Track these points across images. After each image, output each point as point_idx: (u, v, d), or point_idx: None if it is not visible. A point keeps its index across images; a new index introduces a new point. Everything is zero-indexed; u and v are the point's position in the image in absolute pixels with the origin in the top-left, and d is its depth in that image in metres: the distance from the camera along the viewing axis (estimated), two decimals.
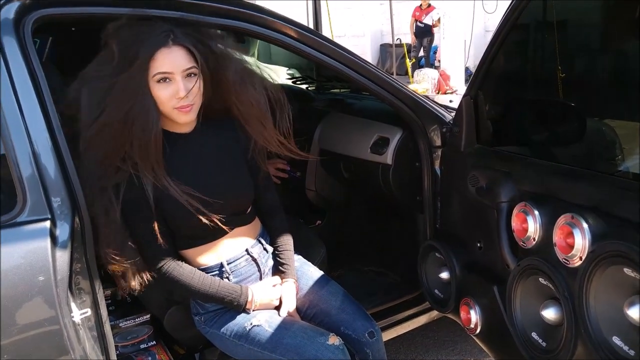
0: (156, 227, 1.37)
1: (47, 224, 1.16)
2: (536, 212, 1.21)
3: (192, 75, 1.32)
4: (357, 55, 1.73)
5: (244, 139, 1.50)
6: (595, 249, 1.01)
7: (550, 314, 1.16)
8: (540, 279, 1.19)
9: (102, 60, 1.30)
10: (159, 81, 1.29)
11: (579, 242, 1.06)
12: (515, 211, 1.30)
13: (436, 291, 1.79)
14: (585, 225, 1.06)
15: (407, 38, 10.75)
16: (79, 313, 1.24)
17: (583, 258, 1.06)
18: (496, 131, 1.63)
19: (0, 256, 1.11)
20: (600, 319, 1.00)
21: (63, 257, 1.18)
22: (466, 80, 8.22)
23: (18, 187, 1.15)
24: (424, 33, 10.20)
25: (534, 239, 1.23)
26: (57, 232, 1.18)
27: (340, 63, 1.67)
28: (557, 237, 1.13)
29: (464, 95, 1.62)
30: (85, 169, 1.26)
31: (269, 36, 1.56)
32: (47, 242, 1.15)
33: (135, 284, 1.38)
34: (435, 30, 10.06)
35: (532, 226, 1.22)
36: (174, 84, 1.30)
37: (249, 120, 1.46)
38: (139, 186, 1.35)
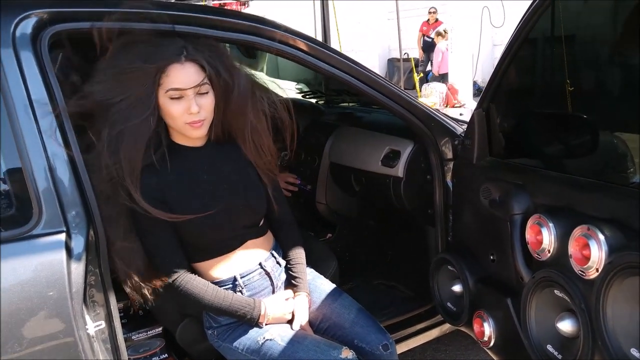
0: (169, 241, 1.39)
1: (63, 236, 1.18)
2: (551, 224, 1.21)
3: (204, 91, 1.34)
4: (368, 68, 1.74)
5: None
6: (612, 260, 1.01)
7: (566, 326, 1.15)
8: (555, 291, 1.18)
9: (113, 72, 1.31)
10: (171, 97, 1.31)
11: (596, 253, 1.06)
12: (529, 223, 1.29)
13: (449, 304, 1.78)
14: (601, 237, 1.05)
15: (415, 53, 10.82)
16: (93, 326, 1.24)
17: (600, 269, 1.05)
18: (508, 144, 1.63)
19: (17, 269, 1.13)
20: (617, 331, 0.99)
21: (78, 269, 1.19)
22: (474, 94, 8.23)
23: (34, 200, 1.17)
24: (431, 47, 10.26)
25: (549, 251, 1.22)
26: (72, 244, 1.19)
27: (352, 76, 1.68)
28: (573, 248, 1.12)
29: (476, 108, 1.63)
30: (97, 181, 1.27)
31: (282, 50, 1.58)
32: (63, 254, 1.16)
33: (147, 293, 1.38)
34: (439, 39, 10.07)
35: (547, 238, 1.22)
36: (186, 100, 1.31)
37: (245, 139, 1.47)
38: (155, 197, 1.35)
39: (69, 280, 1.16)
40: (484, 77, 10.01)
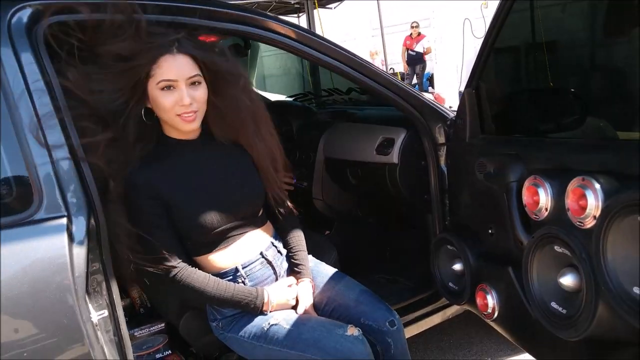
0: (166, 235, 1.39)
1: (64, 220, 1.17)
2: (547, 183, 1.23)
3: (196, 83, 1.35)
4: (361, 57, 1.77)
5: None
6: (609, 203, 1.03)
7: (568, 280, 1.17)
8: (555, 247, 1.20)
9: (106, 64, 1.32)
10: (162, 89, 1.32)
11: (592, 202, 1.08)
12: (525, 185, 1.32)
13: (450, 284, 1.79)
14: (597, 185, 1.07)
15: (400, 67, 10.98)
16: (96, 314, 1.22)
17: (597, 216, 1.07)
18: (499, 121, 1.66)
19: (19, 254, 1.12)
20: (619, 272, 1.00)
21: (80, 254, 1.18)
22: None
23: (34, 185, 1.17)
24: (415, 61, 10.43)
25: (546, 209, 1.24)
26: (74, 229, 1.18)
27: (346, 65, 1.71)
28: (570, 201, 1.15)
29: (466, 87, 1.67)
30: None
31: (277, 40, 1.60)
32: (65, 238, 1.15)
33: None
34: (426, 57, 10.28)
35: (544, 197, 1.24)
36: (178, 92, 1.32)
37: (247, 133, 1.49)
38: (151, 193, 1.37)
39: (72, 265, 1.15)
40: None
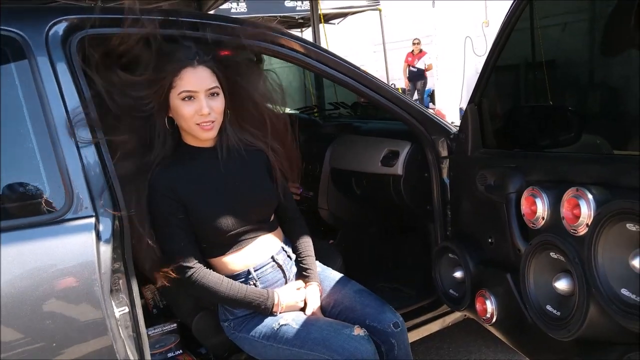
0: (183, 237, 1.46)
1: (92, 220, 1.24)
2: (544, 194, 1.32)
3: (215, 94, 1.44)
4: (369, 73, 1.87)
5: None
6: (599, 212, 1.11)
7: (562, 284, 1.24)
8: (551, 254, 1.28)
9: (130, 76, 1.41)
10: (183, 99, 1.41)
11: (585, 211, 1.16)
12: (524, 196, 1.40)
13: (451, 291, 1.86)
14: (589, 195, 1.16)
15: (401, 82, 11.11)
16: (117, 311, 1.28)
17: (589, 224, 1.15)
18: (500, 135, 1.75)
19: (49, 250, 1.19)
20: (608, 274, 1.08)
21: (106, 252, 1.25)
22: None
23: (65, 186, 1.24)
24: (417, 77, 10.55)
25: (543, 218, 1.32)
26: (101, 228, 1.25)
27: (355, 80, 1.79)
28: (565, 210, 1.23)
29: (469, 103, 1.75)
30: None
31: (290, 56, 1.69)
32: (93, 237, 1.22)
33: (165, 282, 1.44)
34: (427, 74, 10.41)
35: (541, 206, 1.32)
36: (198, 102, 1.40)
37: (265, 140, 1.60)
38: (170, 195, 1.44)
39: (99, 263, 1.22)
40: None
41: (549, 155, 1.47)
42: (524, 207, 1.40)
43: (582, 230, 1.18)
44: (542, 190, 1.32)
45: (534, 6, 1.48)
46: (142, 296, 1.93)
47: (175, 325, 1.82)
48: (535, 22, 1.54)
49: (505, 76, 1.77)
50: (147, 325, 1.81)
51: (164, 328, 1.81)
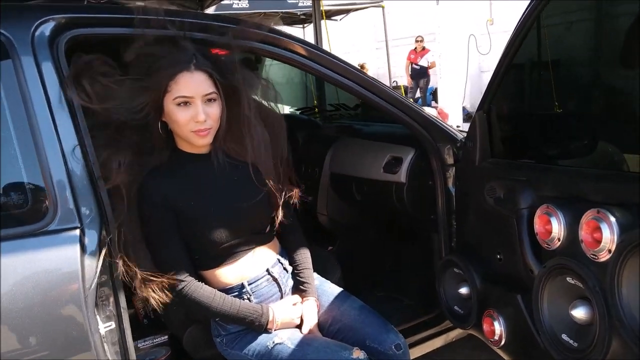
0: (174, 248, 1.39)
1: (77, 232, 1.18)
2: (559, 212, 1.23)
3: (212, 100, 1.36)
4: (370, 76, 1.79)
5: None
6: (624, 238, 1.03)
7: (580, 313, 1.17)
8: (567, 279, 1.20)
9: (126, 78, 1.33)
10: (179, 104, 1.33)
11: (607, 235, 1.08)
12: (537, 214, 1.32)
13: (456, 307, 1.78)
14: (612, 218, 1.08)
15: (403, 80, 11.03)
16: (103, 326, 1.23)
17: (612, 250, 1.07)
18: (510, 145, 1.67)
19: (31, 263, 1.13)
20: (633, 306, 1.01)
21: (91, 266, 1.19)
22: (463, 119, 8.38)
23: (50, 196, 1.18)
24: (419, 75, 10.47)
25: (559, 239, 1.24)
26: (86, 240, 1.20)
27: (355, 83, 1.72)
28: (584, 233, 1.15)
29: (477, 110, 1.67)
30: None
31: (287, 57, 1.61)
32: (77, 250, 1.17)
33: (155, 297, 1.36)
34: (430, 71, 10.33)
35: (556, 227, 1.24)
36: (194, 108, 1.33)
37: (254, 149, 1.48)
38: (163, 203, 1.37)
39: (83, 277, 1.16)
40: (472, 102, 10.21)
41: (563, 169, 1.39)
42: (538, 226, 1.32)
43: (604, 257, 1.10)
44: (558, 209, 1.24)
45: (554, 5, 1.38)
46: (132, 306, 1.87)
47: (166, 337, 1.77)
48: (557, 20, 1.44)
49: (518, 82, 1.69)
50: (138, 336, 1.77)
51: (155, 340, 1.75)
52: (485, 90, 1.63)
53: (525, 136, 1.63)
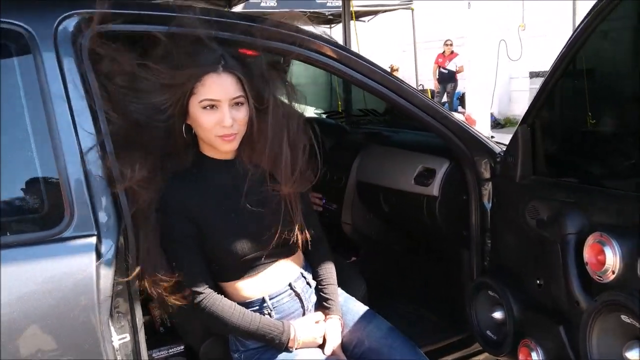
0: (194, 258, 1.33)
1: (93, 240, 1.13)
2: (615, 243, 1.13)
3: (239, 104, 1.30)
4: (404, 82, 1.69)
5: None
6: None
7: (635, 356, 1.06)
8: (622, 317, 1.09)
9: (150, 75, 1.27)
10: (204, 107, 1.27)
11: None
12: (588, 242, 1.21)
13: (488, 332, 1.68)
14: None
15: (430, 84, 10.89)
16: (117, 338, 1.18)
17: None
18: (554, 162, 1.56)
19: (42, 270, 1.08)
20: None
21: (107, 275, 1.14)
22: (491, 126, 8.22)
23: (66, 201, 1.13)
24: (447, 79, 10.34)
25: (613, 272, 1.13)
26: (103, 249, 1.14)
27: (388, 89, 1.63)
28: None
29: (521, 123, 1.57)
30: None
31: (319, 61, 1.54)
32: (93, 258, 1.11)
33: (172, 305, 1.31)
34: (458, 76, 10.17)
35: (611, 258, 1.13)
36: (220, 112, 1.27)
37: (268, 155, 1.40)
38: (184, 213, 1.31)
39: (97, 287, 1.11)
40: (500, 109, 10.04)
41: (619, 194, 1.27)
42: (589, 256, 1.21)
43: None
44: (614, 239, 1.13)
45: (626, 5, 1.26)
46: (149, 313, 1.82)
47: (182, 347, 1.73)
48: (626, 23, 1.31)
49: (569, 93, 1.57)
50: (153, 345, 1.72)
51: (170, 350, 1.70)
52: (532, 102, 1.52)
53: (573, 154, 1.51)
